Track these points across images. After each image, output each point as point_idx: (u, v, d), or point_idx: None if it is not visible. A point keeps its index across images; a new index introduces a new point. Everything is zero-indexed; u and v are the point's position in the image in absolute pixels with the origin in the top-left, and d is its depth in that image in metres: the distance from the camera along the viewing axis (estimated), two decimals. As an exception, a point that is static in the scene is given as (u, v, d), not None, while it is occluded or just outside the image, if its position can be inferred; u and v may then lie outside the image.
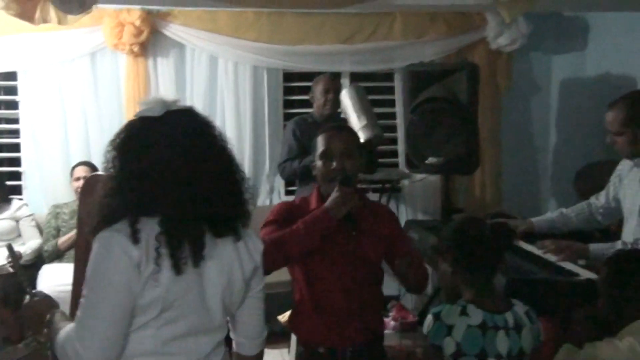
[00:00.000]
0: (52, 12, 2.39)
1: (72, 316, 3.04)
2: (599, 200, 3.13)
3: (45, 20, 2.38)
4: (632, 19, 4.54)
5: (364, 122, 3.90)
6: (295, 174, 4.03)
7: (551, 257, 2.76)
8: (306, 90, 4.70)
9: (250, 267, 1.67)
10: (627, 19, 4.63)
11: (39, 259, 4.35)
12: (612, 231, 3.28)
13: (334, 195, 2.20)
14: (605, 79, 5.02)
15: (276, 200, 5.02)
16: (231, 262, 1.62)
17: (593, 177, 4.19)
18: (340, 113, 4.26)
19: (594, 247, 2.80)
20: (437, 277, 2.21)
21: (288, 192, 5.06)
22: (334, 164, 2.27)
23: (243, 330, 1.78)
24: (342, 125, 2.64)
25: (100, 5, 4.34)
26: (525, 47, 5.10)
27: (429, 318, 1.97)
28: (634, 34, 4.61)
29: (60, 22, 2.46)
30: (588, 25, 5.19)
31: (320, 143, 2.33)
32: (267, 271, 2.09)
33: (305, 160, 3.93)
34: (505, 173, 5.23)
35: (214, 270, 1.58)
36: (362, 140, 3.86)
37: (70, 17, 2.46)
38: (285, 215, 2.33)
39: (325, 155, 2.30)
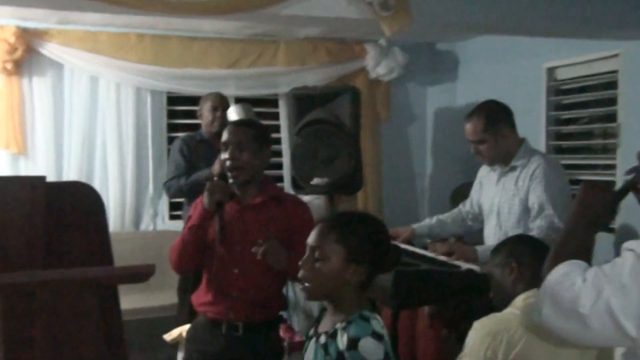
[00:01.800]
0: None
1: None
2: (465, 206, 3.39)
3: None
4: (496, 45, 4.93)
5: None
6: (182, 191, 3.96)
7: (441, 257, 2.89)
8: (191, 114, 4.68)
9: None
10: (491, 46, 5.02)
11: None
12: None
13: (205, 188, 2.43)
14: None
15: (160, 225, 4.91)
16: None
17: (466, 195, 4.47)
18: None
19: (480, 249, 2.96)
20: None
21: (173, 217, 4.96)
22: (225, 154, 2.45)
23: None
24: (244, 120, 2.75)
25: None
26: (402, 77, 5.40)
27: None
28: (497, 59, 5.00)
29: None
30: (457, 57, 5.57)
31: (222, 136, 2.52)
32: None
33: (193, 176, 3.88)
34: (386, 196, 5.43)
35: None
36: None
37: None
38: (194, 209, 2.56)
39: (224, 147, 2.48)
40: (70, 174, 4.56)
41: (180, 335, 3.52)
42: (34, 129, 4.51)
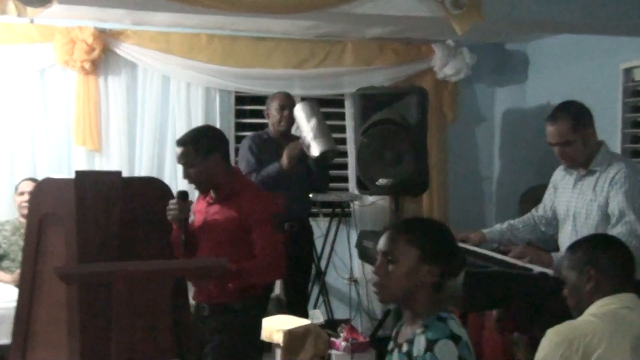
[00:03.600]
0: (11, 4, 2.36)
1: (13, 336, 2.95)
2: (538, 211, 3.29)
3: (3, 11, 2.35)
4: (570, 45, 4.79)
5: (318, 136, 3.93)
6: None
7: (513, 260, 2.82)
8: (257, 113, 4.75)
9: None
10: (564, 46, 4.89)
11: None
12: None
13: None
14: (545, 110, 5.23)
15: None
16: None
17: (536, 198, 4.35)
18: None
19: (556, 256, 2.88)
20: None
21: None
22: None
23: None
24: (184, 139, 2.84)
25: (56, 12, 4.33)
26: (470, 78, 5.32)
27: None
28: (571, 59, 4.86)
29: (19, 14, 2.43)
30: (528, 58, 5.45)
31: None
32: None
33: (263, 171, 3.93)
34: (452, 199, 5.35)
35: None
36: (316, 153, 3.92)
37: (29, 9, 2.44)
38: None
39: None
40: (142, 171, 4.69)
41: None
42: (109, 126, 4.66)
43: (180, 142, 2.81)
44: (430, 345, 1.65)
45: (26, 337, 2.90)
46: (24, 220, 3.98)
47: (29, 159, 4.54)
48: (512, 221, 3.36)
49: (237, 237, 2.70)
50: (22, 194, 4.19)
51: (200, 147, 2.73)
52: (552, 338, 1.99)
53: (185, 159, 2.74)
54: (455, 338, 1.67)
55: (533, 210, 3.36)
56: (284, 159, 3.91)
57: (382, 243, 1.81)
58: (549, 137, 3.00)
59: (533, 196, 4.53)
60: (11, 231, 4.21)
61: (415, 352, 1.69)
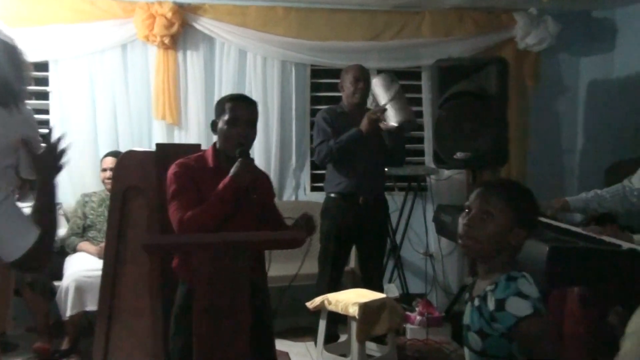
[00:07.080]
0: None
1: (100, 303, 3.08)
2: (632, 183, 3.12)
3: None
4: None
5: (396, 107, 3.87)
6: (332, 152, 3.95)
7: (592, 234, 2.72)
8: (333, 87, 4.71)
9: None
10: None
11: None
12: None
13: (237, 165, 2.46)
14: (634, 80, 5.00)
15: (302, 196, 5.01)
16: None
17: (623, 172, 4.15)
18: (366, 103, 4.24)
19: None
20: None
21: (314, 188, 5.04)
22: (239, 130, 2.54)
23: None
24: (250, 98, 2.71)
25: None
26: (553, 47, 5.12)
27: None
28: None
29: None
30: (616, 25, 5.18)
31: (228, 110, 2.56)
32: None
33: (343, 136, 3.90)
34: (531, 172, 5.19)
35: None
36: (394, 123, 3.86)
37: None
38: (187, 179, 2.52)
39: (233, 122, 2.53)
40: (219, 144, 4.75)
41: (322, 303, 3.59)
42: (187, 100, 4.74)
43: (250, 100, 2.65)
44: (499, 304, 1.71)
45: (111, 303, 3.02)
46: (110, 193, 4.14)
47: (112, 132, 4.67)
48: (599, 191, 3.23)
49: (260, 214, 2.61)
50: (104, 170, 4.32)
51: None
52: None
53: (253, 116, 2.60)
54: (523, 296, 1.70)
55: (625, 181, 3.20)
56: (364, 121, 3.87)
57: (478, 199, 1.84)
58: None
59: (620, 170, 4.34)
60: (98, 202, 4.36)
61: (486, 313, 1.75)
